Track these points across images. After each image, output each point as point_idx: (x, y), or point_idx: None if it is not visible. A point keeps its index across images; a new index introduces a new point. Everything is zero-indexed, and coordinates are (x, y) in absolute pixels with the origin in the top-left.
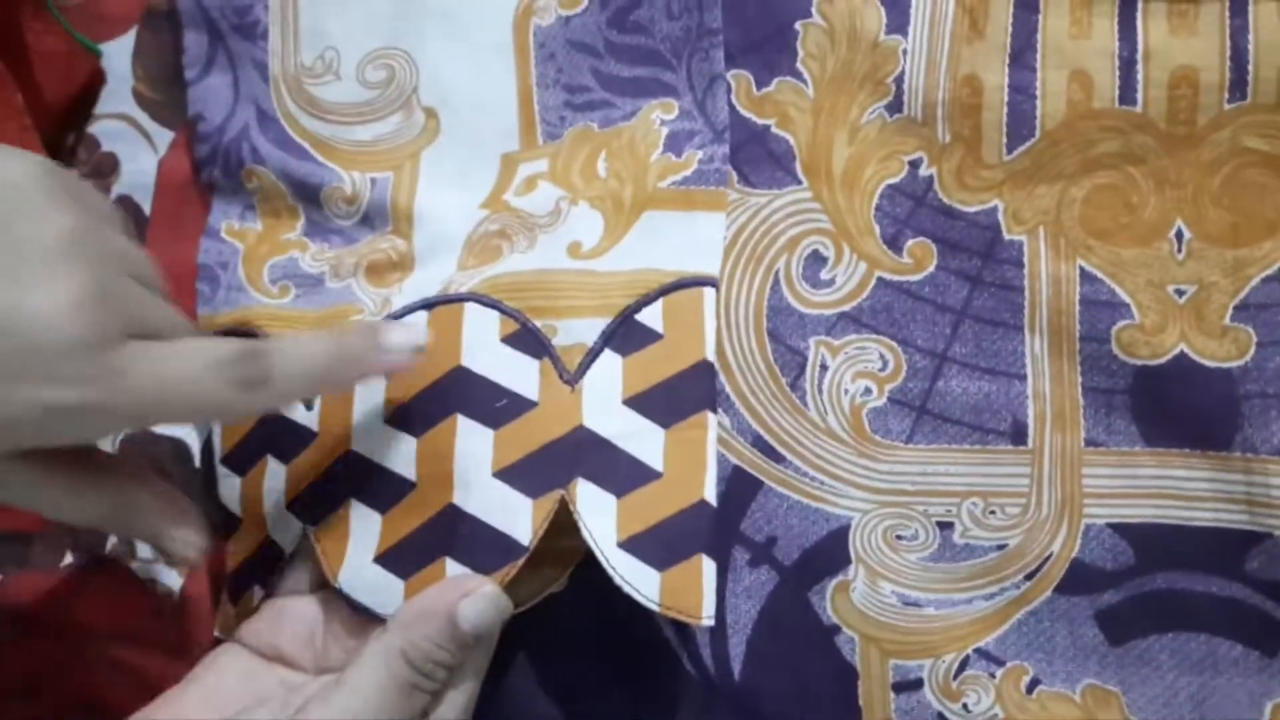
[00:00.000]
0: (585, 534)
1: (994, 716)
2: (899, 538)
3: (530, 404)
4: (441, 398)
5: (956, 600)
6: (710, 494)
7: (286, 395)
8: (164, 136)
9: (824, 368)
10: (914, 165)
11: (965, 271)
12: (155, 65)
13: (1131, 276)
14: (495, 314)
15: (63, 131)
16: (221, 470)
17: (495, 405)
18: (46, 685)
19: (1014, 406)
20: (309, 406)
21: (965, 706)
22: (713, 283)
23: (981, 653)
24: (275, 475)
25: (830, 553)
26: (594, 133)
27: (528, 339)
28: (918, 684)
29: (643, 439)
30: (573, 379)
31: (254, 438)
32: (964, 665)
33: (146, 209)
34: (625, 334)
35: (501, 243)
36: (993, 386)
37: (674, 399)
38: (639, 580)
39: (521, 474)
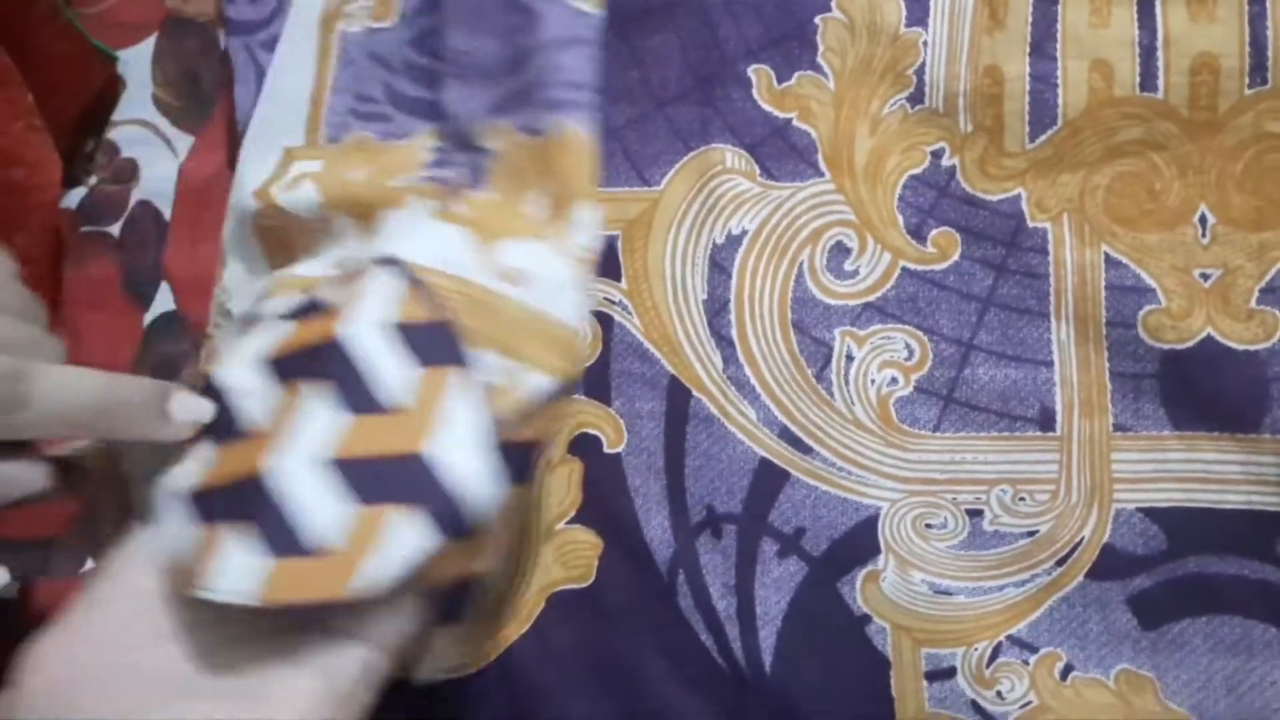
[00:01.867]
0: (176, 476)
1: (1028, 703)
2: (929, 526)
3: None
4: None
5: (988, 588)
6: (276, 463)
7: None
8: (184, 141)
9: (850, 358)
10: (936, 155)
11: (990, 260)
12: (175, 71)
13: (1156, 261)
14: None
15: (81, 138)
16: None
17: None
18: None
19: (1042, 393)
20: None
21: (999, 694)
22: (392, 260)
23: (1014, 640)
24: None
25: (860, 542)
26: (371, 144)
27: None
28: (951, 672)
29: (253, 398)
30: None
31: None
32: (997, 653)
33: (166, 214)
34: (303, 310)
35: (295, 241)
36: (1020, 374)
37: (300, 364)
38: (178, 537)
39: None
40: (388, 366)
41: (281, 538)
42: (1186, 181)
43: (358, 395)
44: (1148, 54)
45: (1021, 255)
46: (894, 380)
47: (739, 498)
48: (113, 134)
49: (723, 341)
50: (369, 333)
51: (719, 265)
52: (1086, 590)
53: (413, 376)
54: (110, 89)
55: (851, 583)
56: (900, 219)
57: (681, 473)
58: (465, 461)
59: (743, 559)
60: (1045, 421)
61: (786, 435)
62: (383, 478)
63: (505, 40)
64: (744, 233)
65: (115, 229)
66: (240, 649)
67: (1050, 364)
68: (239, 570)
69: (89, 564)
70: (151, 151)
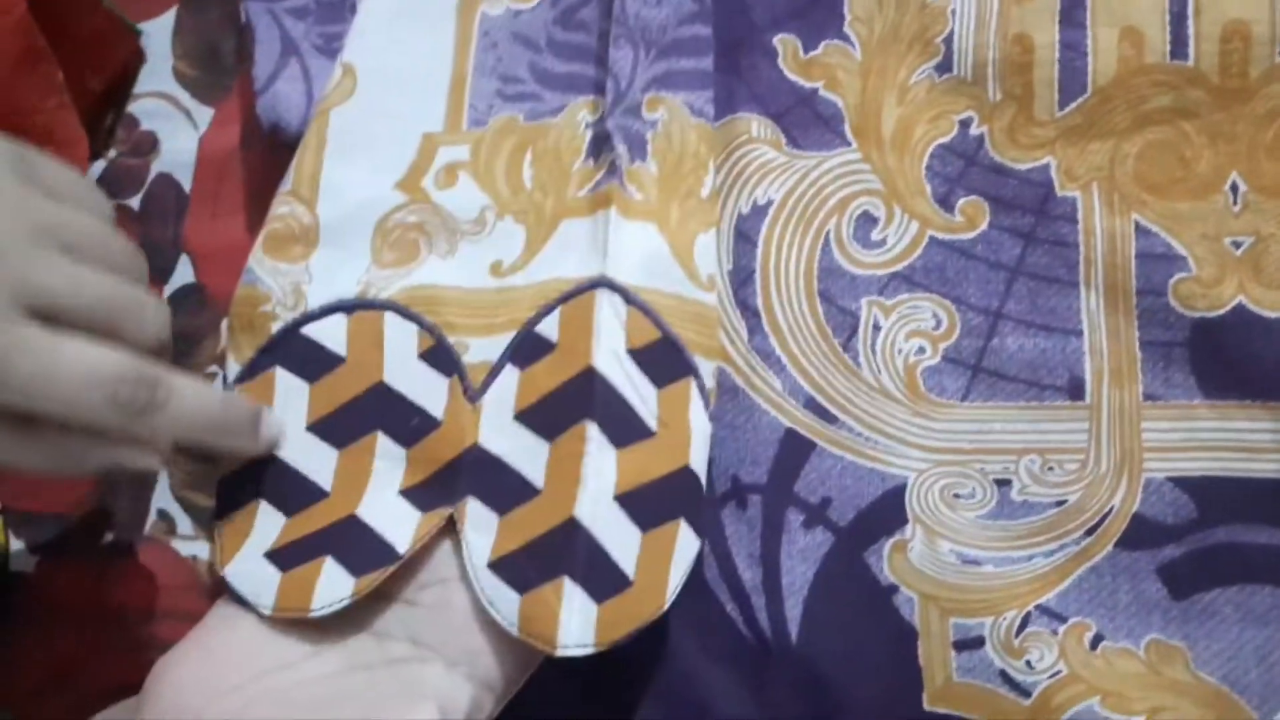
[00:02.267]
0: (465, 553)
1: (1058, 673)
2: (956, 496)
3: (437, 423)
4: (364, 413)
5: (1016, 557)
6: (582, 511)
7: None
8: (204, 114)
9: (877, 328)
10: (964, 124)
11: (1018, 229)
12: (195, 43)
13: (1187, 229)
14: (414, 328)
15: (102, 111)
16: None
17: (410, 424)
18: (85, 673)
19: (1071, 362)
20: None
21: (1028, 663)
22: (605, 283)
23: (1043, 609)
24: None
25: (886, 512)
26: (519, 125)
27: (441, 356)
28: (979, 642)
29: (528, 455)
30: (475, 395)
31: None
32: (1026, 622)
33: (186, 186)
34: (525, 347)
35: (419, 239)
36: (1049, 343)
37: (557, 411)
38: (501, 604)
39: (422, 494)
40: (637, 395)
41: (596, 582)
42: (1217, 149)
43: (620, 427)
44: (1178, 21)
45: (1050, 224)
46: (921, 349)
47: (764, 468)
48: (133, 107)
49: (748, 312)
50: (613, 365)
51: (744, 235)
52: (1116, 560)
53: (654, 397)
54: (132, 62)
55: (879, 553)
56: (928, 188)
57: None
58: (702, 466)
59: (768, 529)
60: (1074, 390)
61: (812, 405)
62: (658, 499)
63: (676, 9)
64: (770, 202)
65: (135, 202)
66: (363, 675)
67: (1079, 333)
68: (577, 623)
69: (107, 538)
70: (171, 124)
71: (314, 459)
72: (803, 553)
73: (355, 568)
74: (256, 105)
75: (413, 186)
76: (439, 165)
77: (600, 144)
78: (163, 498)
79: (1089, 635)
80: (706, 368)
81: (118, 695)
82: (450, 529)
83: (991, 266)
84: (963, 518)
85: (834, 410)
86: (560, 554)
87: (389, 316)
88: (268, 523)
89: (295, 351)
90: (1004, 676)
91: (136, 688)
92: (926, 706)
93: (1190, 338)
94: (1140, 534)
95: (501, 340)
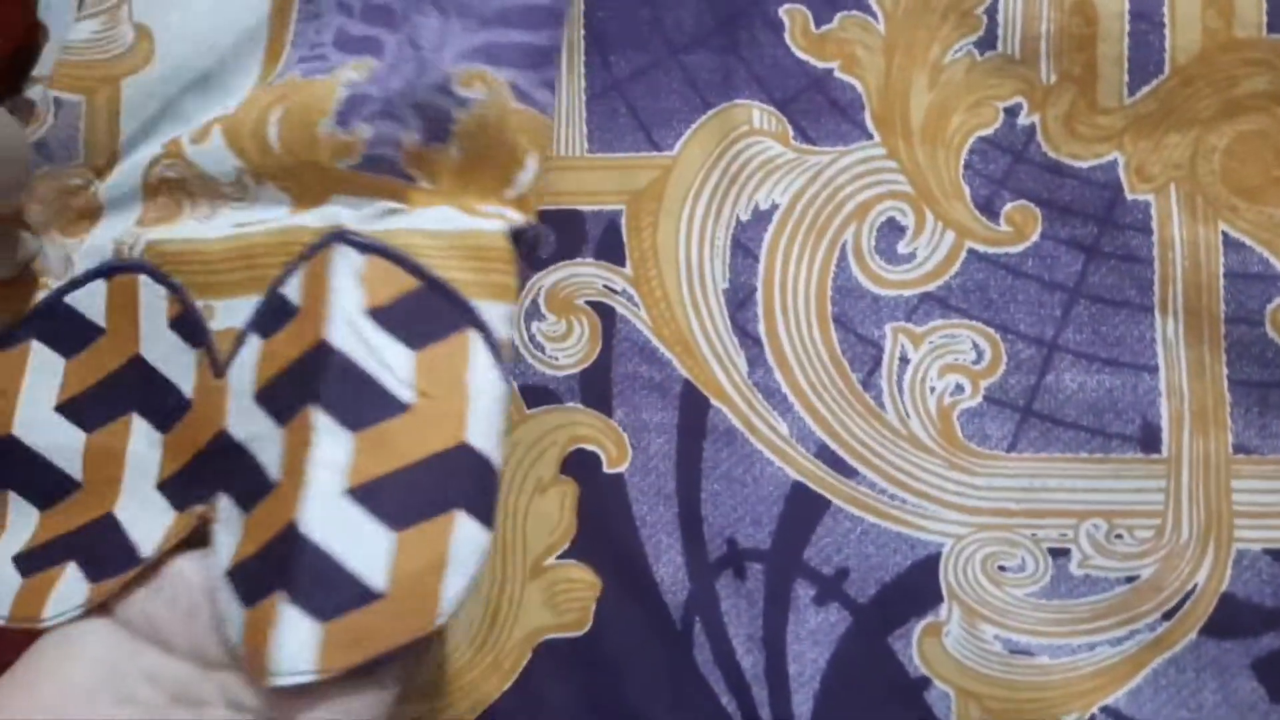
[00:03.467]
0: (217, 555)
1: None
2: (1002, 569)
3: (188, 403)
4: (118, 392)
5: (1076, 646)
6: (304, 513)
7: None
8: None
9: (904, 360)
10: (1011, 113)
11: (1078, 240)
12: None
13: None
14: (164, 290)
15: None
16: None
17: (166, 403)
18: None
19: (1143, 405)
20: None
21: None
22: (345, 237)
23: (1110, 712)
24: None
25: (917, 588)
26: (293, 82)
27: (189, 323)
28: None
29: (265, 443)
30: (221, 370)
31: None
32: None
33: None
34: (269, 312)
35: (182, 198)
36: (1116, 381)
37: (290, 390)
38: (230, 622)
39: (177, 487)
40: (379, 363)
41: (321, 596)
42: None
43: (357, 406)
44: None
45: (1118, 235)
46: (959, 388)
47: (767, 530)
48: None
49: (748, 339)
50: (345, 333)
51: (744, 247)
52: (1201, 651)
53: (408, 363)
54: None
55: (907, 637)
56: (967, 190)
57: (698, 498)
58: (492, 439)
59: (772, 605)
60: (1148, 440)
61: (825, 454)
62: (419, 488)
63: None
64: (774, 207)
65: None
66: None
67: (1155, 369)
68: (292, 647)
69: None
70: None
71: (62, 443)
72: (814, 635)
73: (95, 573)
74: None
75: (173, 143)
76: (201, 123)
77: (352, 109)
78: None
79: None
80: (496, 311)
81: None
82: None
83: (1045, 286)
84: (1010, 595)
85: (852, 461)
86: (280, 564)
87: (143, 279)
88: (21, 519)
89: (56, 323)
90: None
91: None
92: None
93: None
94: (1231, 619)
95: (248, 303)
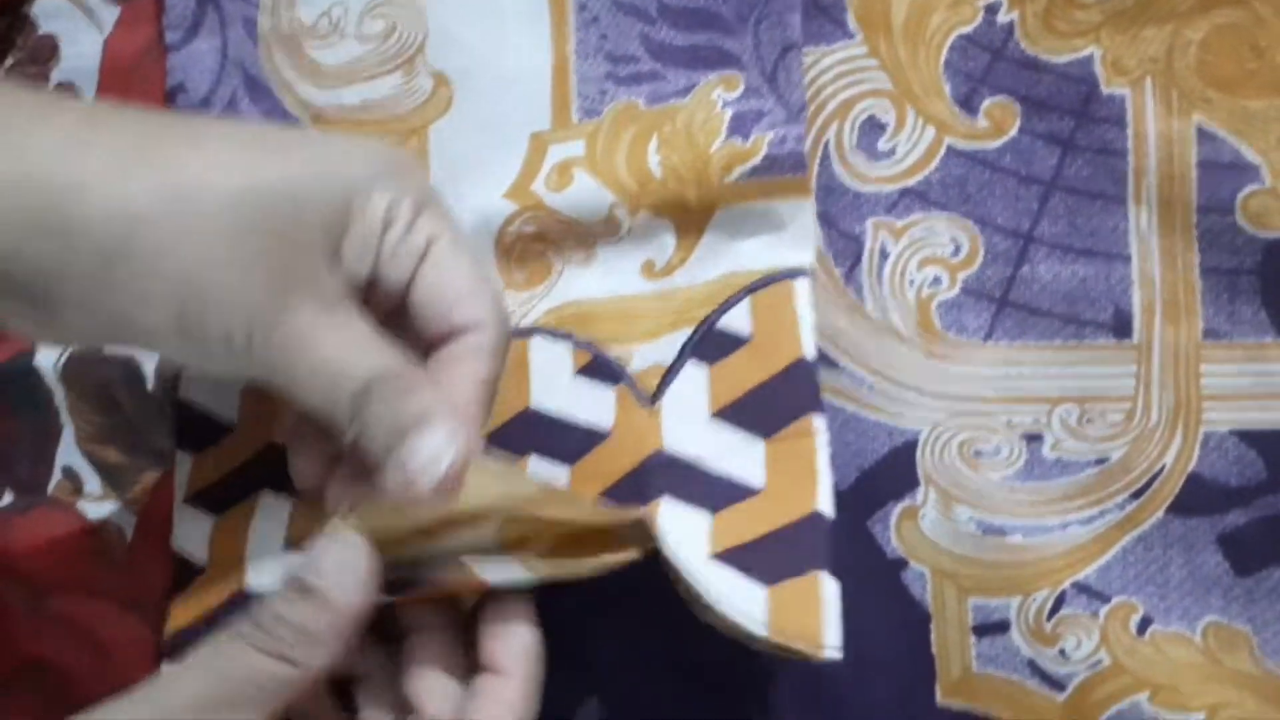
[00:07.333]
0: (666, 553)
1: (1098, 663)
2: (977, 453)
3: (604, 435)
4: (511, 442)
5: (1049, 526)
6: (825, 506)
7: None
8: (110, 12)
9: (884, 254)
10: (990, 10)
11: (1055, 135)
12: None
13: (1261, 134)
14: (567, 345)
15: None
16: (184, 511)
17: (569, 442)
18: None
19: (1116, 293)
20: None
21: (1062, 652)
22: (804, 274)
23: (1081, 587)
24: (272, 513)
25: (894, 473)
26: (640, 111)
27: (602, 368)
28: (1003, 626)
29: (739, 453)
30: (650, 400)
31: (249, 470)
32: (1060, 603)
33: (90, 95)
34: (709, 343)
35: (547, 251)
36: (1090, 270)
37: (771, 405)
38: (740, 597)
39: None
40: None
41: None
42: None
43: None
44: None
45: (1094, 128)
46: (937, 280)
47: None
48: (30, 8)
49: None
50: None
51: None
52: (1168, 528)
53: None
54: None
55: (885, 520)
56: (946, 87)
57: None
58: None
59: None
60: (1120, 327)
61: None
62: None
63: None
64: None
65: None
66: None
67: (1127, 258)
68: (837, 625)
69: (6, 497)
70: (73, 25)
71: None
72: None
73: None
74: (167, 61)
75: (522, 192)
76: (549, 165)
77: (746, 122)
78: (68, 453)
79: (1135, 618)
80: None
81: (32, 672)
82: None
83: (1022, 180)
84: (985, 479)
85: (833, 353)
86: (806, 549)
87: (535, 341)
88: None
89: None
90: (1033, 667)
91: (51, 665)
92: (940, 701)
93: (1261, 264)
94: (1198, 497)
95: (669, 341)
